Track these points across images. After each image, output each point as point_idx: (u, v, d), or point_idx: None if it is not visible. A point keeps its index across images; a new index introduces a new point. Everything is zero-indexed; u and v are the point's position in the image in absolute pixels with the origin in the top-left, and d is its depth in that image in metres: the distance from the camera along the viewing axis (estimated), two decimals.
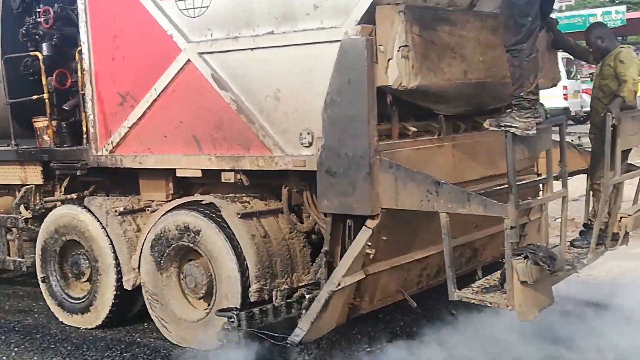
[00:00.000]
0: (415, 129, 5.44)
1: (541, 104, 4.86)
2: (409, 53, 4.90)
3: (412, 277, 5.70)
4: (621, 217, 5.95)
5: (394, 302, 5.65)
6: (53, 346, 6.29)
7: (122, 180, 6.85)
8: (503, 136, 4.73)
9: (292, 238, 5.92)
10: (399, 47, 4.88)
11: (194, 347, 5.77)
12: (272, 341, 4.96)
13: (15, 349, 6.23)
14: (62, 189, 7.22)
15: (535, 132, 4.64)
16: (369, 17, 4.99)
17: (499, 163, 5.60)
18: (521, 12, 4.62)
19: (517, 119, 4.61)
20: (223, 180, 5.87)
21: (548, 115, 5.08)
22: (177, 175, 6.16)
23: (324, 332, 5.13)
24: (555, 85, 6.59)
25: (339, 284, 5.00)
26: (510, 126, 4.59)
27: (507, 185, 4.64)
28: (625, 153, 6.00)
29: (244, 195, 6.03)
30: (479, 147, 5.88)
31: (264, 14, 5.43)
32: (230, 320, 5.07)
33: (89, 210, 6.60)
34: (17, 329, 6.78)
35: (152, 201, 6.47)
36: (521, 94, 4.67)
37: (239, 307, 5.47)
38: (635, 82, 5.86)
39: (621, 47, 6.03)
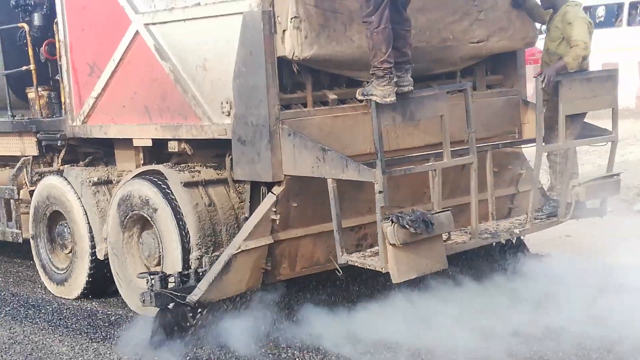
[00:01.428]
0: (336, 97, 7.53)
1: (404, 72, 6.74)
2: (300, 24, 7.01)
3: (348, 246, 7.74)
4: (573, 186, 7.70)
5: (327, 270, 7.76)
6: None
7: (111, 151, 9.39)
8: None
9: (242, 207, 8.16)
10: (291, 19, 7.01)
11: (134, 309, 8.22)
12: (177, 300, 7.29)
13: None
14: (60, 160, 9.89)
15: (394, 99, 6.61)
16: None
17: (439, 131, 7.51)
18: None
19: (377, 87, 6.59)
20: (169, 150, 8.25)
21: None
22: (134, 144, 8.62)
23: (228, 294, 7.35)
24: (528, 45, 8.39)
25: (239, 248, 7.24)
26: (371, 94, 6.61)
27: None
28: (576, 117, 7.73)
29: (198, 164, 8.35)
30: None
31: None
32: (146, 281, 7.45)
33: (68, 181, 9.21)
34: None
35: (124, 171, 8.97)
36: (375, 64, 6.66)
37: None
38: (586, 45, 7.60)
39: (567, 6, 7.77)
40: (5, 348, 7.78)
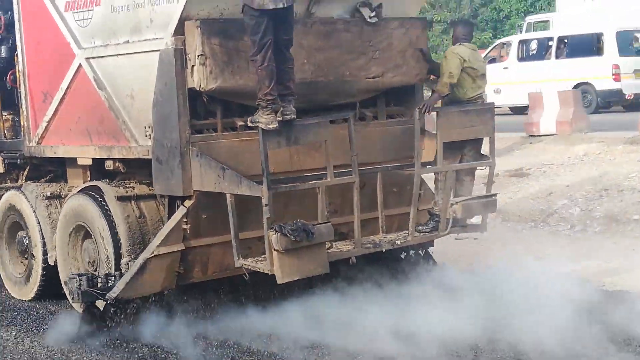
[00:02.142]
0: (243, 123, 8.67)
1: (287, 103, 7.87)
2: (206, 60, 8.17)
3: (255, 253, 8.84)
4: (451, 204, 8.82)
5: (236, 274, 8.87)
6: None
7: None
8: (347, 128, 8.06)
9: None
10: (198, 56, 8.18)
11: (76, 308, 9.34)
12: (99, 298, 8.45)
13: None
14: (24, 177, 11.08)
15: (276, 126, 7.74)
16: (182, 30, 8.33)
17: (347, 153, 8.59)
18: (252, 31, 7.74)
19: (261, 115, 7.74)
20: (106, 168, 9.42)
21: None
22: (78, 163, 9.80)
23: (144, 293, 8.47)
24: (422, 81, 9.52)
25: (152, 252, 8.39)
26: (258, 122, 7.76)
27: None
28: (460, 144, 8.85)
29: (134, 181, 9.50)
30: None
31: (123, 25, 8.87)
32: (75, 281, 8.61)
33: (25, 195, 10.40)
34: None
35: (73, 187, 10.14)
36: (260, 96, 7.80)
37: None
38: (451, 74, 8.78)
39: (455, 45, 8.94)
40: None
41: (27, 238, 10.47)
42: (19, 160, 10.57)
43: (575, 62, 24.56)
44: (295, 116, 7.93)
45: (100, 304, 8.63)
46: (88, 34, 9.29)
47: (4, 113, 10.87)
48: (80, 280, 8.57)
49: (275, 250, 7.79)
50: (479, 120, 9.00)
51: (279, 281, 7.92)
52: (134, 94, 8.82)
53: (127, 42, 8.82)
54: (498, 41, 30.40)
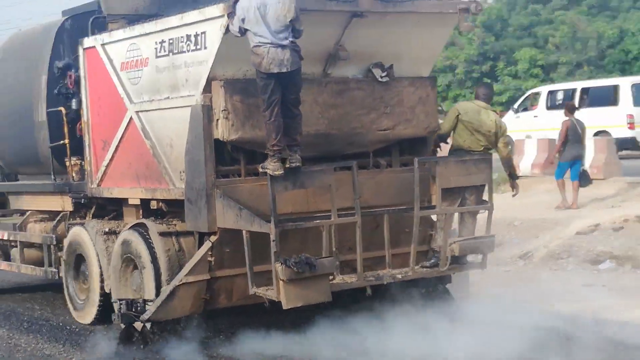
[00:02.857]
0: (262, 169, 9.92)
1: (293, 152, 9.10)
2: (228, 115, 9.47)
3: (271, 283, 10.00)
4: (450, 243, 9.91)
5: (259, 302, 10.09)
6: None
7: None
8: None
9: None
10: (222, 110, 9.49)
11: None
12: (136, 319, 9.77)
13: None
14: (91, 215, 12.53)
15: (282, 172, 8.96)
16: (210, 89, 9.65)
17: (350, 197, 9.78)
18: (261, 90, 8.98)
19: (269, 163, 8.98)
20: (151, 207, 10.77)
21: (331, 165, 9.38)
22: (129, 202, 11.18)
23: (174, 316, 9.77)
24: (431, 133, 10.65)
25: (181, 281, 9.68)
26: (267, 168, 9.01)
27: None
28: (460, 189, 9.95)
29: (177, 219, 10.82)
30: (339, 183, 10.09)
31: (165, 84, 10.26)
32: (116, 305, 9.96)
33: (87, 231, 11.82)
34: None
35: (127, 223, 11.53)
36: (268, 146, 9.03)
37: None
38: (441, 124, 10.13)
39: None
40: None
41: (87, 268, 11.85)
42: (82, 199, 11.98)
43: (595, 111, 25.64)
44: (300, 164, 9.13)
45: (138, 325, 9.91)
46: (138, 91, 10.68)
47: (73, 158, 12.30)
48: (121, 304, 9.89)
49: (280, 279, 8.97)
50: (476, 169, 10.06)
51: (284, 307, 9.10)
52: (172, 143, 10.14)
53: (168, 98, 10.17)
54: (529, 91, 31.87)
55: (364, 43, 10.12)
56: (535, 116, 28.24)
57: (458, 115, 10.25)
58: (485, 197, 10.42)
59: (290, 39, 8.98)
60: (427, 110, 10.58)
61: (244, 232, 9.31)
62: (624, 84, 26.43)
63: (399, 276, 9.96)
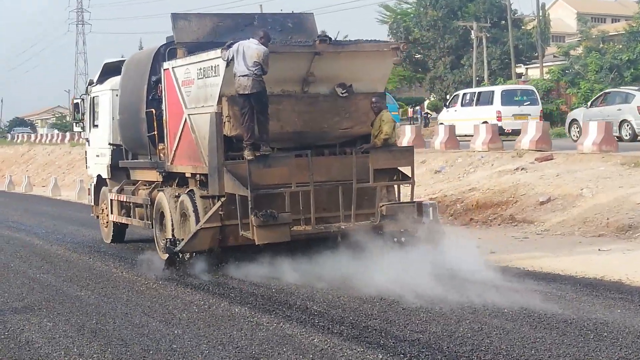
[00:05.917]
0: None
1: (264, 144, 14.16)
2: (230, 119, 14.62)
3: None
4: (380, 206, 14.72)
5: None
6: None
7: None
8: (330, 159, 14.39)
9: None
10: (225, 116, 14.65)
11: None
12: (173, 251, 15.10)
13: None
14: (175, 184, 17.88)
15: (252, 158, 14.03)
16: (220, 101, 14.82)
17: (329, 173, 14.76)
18: (239, 104, 14.06)
19: (245, 151, 14.09)
20: (196, 180, 16.06)
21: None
22: (186, 175, 16.50)
23: (198, 249, 15.00)
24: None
25: (201, 226, 14.92)
26: (244, 155, 14.12)
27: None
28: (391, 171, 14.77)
29: None
30: (315, 166, 15.01)
31: (201, 97, 15.51)
32: (163, 241, 15.33)
33: (164, 194, 17.20)
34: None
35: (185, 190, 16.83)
36: (244, 141, 14.09)
37: None
38: (387, 133, 14.81)
39: (384, 111, 14.93)
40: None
41: (165, 220, 17.25)
42: (163, 173, 17.40)
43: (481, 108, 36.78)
44: (268, 153, 14.20)
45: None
46: (189, 101, 15.96)
47: (160, 145, 17.70)
48: (164, 241, 15.28)
49: (253, 225, 14.08)
50: (402, 155, 14.88)
51: (256, 243, 14.16)
52: (205, 136, 15.37)
53: (202, 106, 15.42)
54: (455, 93, 43.63)
55: (327, 70, 15.04)
56: (455, 110, 38.46)
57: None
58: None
59: (255, 72, 13.97)
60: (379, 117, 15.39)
61: (237, 195, 14.44)
62: (497, 90, 37.92)
63: (343, 227, 14.79)
